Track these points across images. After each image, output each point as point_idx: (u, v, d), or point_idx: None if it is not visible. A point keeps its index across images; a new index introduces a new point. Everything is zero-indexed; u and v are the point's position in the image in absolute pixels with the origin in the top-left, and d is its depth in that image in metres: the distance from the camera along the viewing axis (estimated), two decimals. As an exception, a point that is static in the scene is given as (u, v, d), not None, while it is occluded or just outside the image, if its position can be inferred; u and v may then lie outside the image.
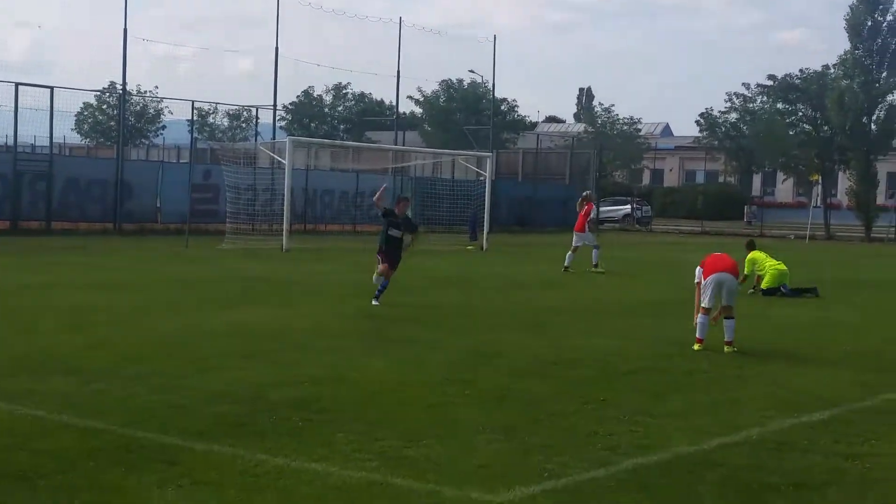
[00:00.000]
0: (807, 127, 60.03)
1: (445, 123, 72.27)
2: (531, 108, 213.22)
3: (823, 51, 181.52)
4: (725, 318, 12.62)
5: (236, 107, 75.89)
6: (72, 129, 63.55)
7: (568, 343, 13.03)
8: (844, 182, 61.78)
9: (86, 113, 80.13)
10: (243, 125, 77.06)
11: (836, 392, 10.23)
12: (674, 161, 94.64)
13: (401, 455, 7.33)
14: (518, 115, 79.29)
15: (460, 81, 75.88)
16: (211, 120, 79.46)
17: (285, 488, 6.51)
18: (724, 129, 71.97)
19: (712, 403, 9.52)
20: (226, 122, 79.78)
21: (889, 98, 52.79)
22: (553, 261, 29.26)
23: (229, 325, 13.64)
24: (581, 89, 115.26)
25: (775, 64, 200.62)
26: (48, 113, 33.36)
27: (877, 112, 52.94)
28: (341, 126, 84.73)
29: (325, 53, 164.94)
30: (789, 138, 60.71)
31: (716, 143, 74.07)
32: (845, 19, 52.39)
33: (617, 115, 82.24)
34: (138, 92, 73.61)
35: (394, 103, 55.68)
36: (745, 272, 19.89)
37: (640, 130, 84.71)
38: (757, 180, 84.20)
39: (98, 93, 70.64)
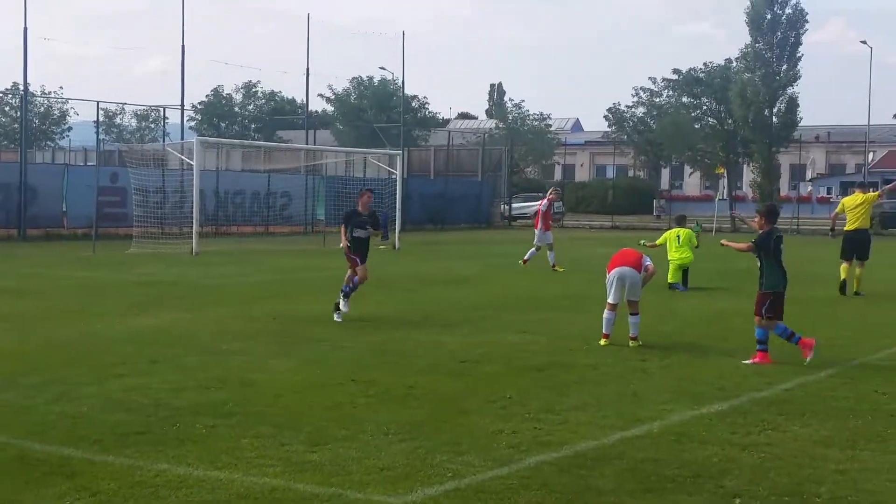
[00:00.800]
0: (711, 120, 61.15)
1: (357, 121, 72.01)
2: (443, 105, 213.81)
3: (727, 44, 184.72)
4: (630, 313, 12.80)
5: (144, 107, 74.64)
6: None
7: (476, 340, 13.11)
8: (749, 174, 63.00)
9: (-13, 115, 78.09)
10: (152, 126, 75.78)
11: (736, 383, 10.45)
12: (584, 156, 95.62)
13: (305, 459, 7.31)
14: (430, 113, 79.27)
15: (371, 79, 75.66)
16: (118, 121, 78.05)
17: (186, 498, 6.46)
18: (631, 123, 72.88)
19: (615, 397, 9.67)
20: (133, 122, 78.39)
21: (789, 90, 54.02)
22: (465, 258, 29.44)
23: (133, 331, 13.46)
24: (492, 85, 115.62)
25: (682, 58, 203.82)
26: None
27: (778, 104, 54.12)
28: (252, 126, 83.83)
29: (235, 52, 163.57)
30: (695, 132, 61.77)
31: (624, 137, 74.98)
32: (746, 13, 53.49)
33: (528, 110, 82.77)
34: (42, 93, 71.94)
35: (304, 102, 55.28)
36: (658, 242, 20.54)
37: (550, 126, 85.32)
38: (665, 174, 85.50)
39: (-1, 94, 68.97)
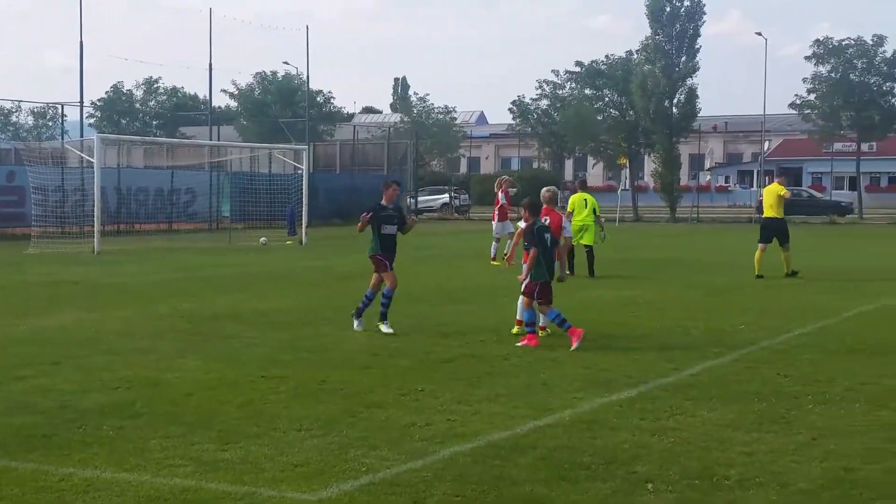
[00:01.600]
0: (614, 112, 62.01)
1: (261, 117, 71.30)
2: (347, 99, 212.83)
3: (628, 37, 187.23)
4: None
5: (41, 104, 72.91)
6: None
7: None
8: (650, 165, 64.05)
9: None
10: (49, 123, 74.08)
11: (644, 369, 10.60)
12: (489, 149, 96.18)
13: (216, 458, 7.20)
14: (334, 107, 78.87)
15: (275, 73, 75.01)
16: (14, 118, 76.18)
17: (93, 502, 6.31)
18: (535, 115, 73.42)
19: (526, 387, 9.72)
20: (31, 120, 76.55)
21: (689, 82, 55.05)
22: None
23: (34, 331, 13.13)
24: (396, 79, 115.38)
25: (585, 51, 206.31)
26: None
27: (677, 95, 55.13)
28: (154, 122, 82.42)
29: (136, 48, 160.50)
30: (598, 123, 62.58)
31: (529, 129, 75.57)
32: (646, 5, 54.36)
33: (432, 104, 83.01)
34: (-69, 90, 69.80)
35: (207, 97, 54.55)
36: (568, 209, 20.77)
37: (455, 119, 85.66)
38: (569, 165, 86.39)
39: None
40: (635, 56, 59.48)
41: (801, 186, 69.39)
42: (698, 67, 54.79)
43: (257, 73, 75.39)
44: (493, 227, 25.25)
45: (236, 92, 75.76)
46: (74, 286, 19.29)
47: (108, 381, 9.86)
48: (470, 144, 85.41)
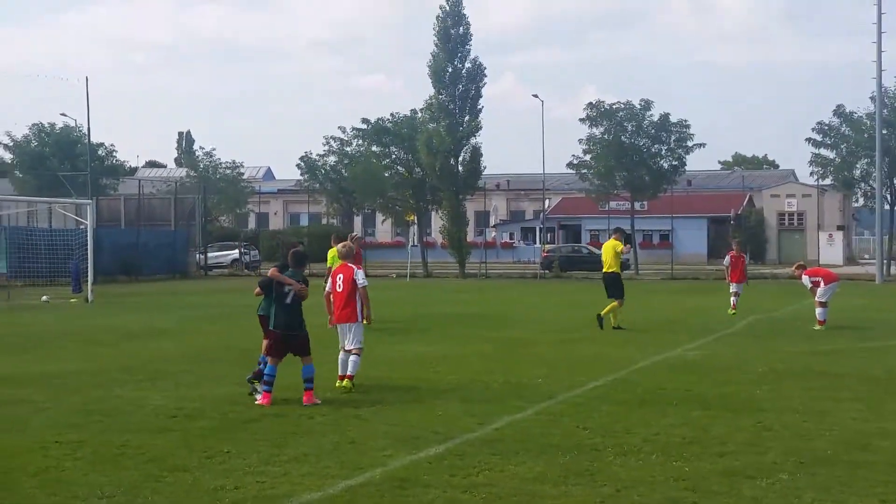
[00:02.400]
0: (401, 169, 62.80)
1: (39, 169, 68.46)
2: (130, 153, 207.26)
3: (408, 95, 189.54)
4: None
5: None
6: None
7: (183, 394, 12.73)
8: (438, 221, 65.07)
9: None
10: None
11: (449, 425, 10.69)
12: (278, 204, 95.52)
13: (13, 531, 6.82)
14: (117, 160, 76.49)
15: (53, 125, 72.26)
16: None
17: None
18: (324, 171, 73.42)
19: (335, 446, 9.66)
20: None
21: (473, 140, 56.44)
22: (162, 309, 28.53)
23: None
24: (180, 133, 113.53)
25: (362, 107, 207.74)
26: None
27: (462, 154, 56.39)
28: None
29: None
30: (385, 180, 63.19)
31: (317, 185, 75.48)
32: (428, 66, 55.53)
33: (219, 158, 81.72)
34: None
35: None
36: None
37: (242, 174, 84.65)
38: (358, 221, 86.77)
39: None
40: (420, 114, 60.53)
41: (580, 243, 72.17)
42: (481, 127, 56.24)
43: (34, 125, 72.45)
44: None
45: (11, 143, 72.55)
46: None
47: None
48: (259, 200, 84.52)
